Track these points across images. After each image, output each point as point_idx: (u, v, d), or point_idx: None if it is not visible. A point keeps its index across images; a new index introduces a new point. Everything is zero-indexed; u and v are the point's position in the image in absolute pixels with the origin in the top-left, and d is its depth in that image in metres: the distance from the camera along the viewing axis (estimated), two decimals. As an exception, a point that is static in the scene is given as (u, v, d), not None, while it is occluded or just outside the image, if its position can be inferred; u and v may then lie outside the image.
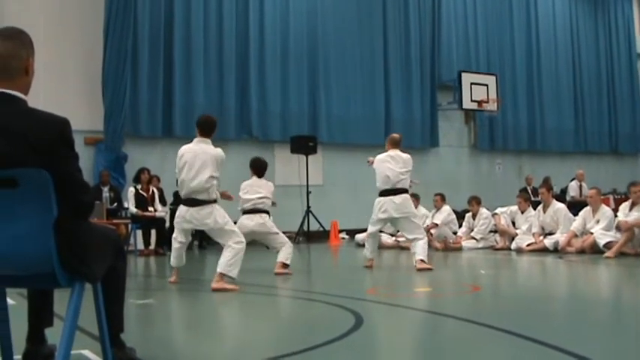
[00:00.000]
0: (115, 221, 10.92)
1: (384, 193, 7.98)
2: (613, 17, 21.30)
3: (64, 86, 12.94)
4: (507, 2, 19.21)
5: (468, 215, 11.88)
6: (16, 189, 2.50)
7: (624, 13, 21.55)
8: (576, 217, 10.34)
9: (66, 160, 2.65)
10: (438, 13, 17.80)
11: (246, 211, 7.86)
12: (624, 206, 9.64)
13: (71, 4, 13.47)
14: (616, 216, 9.69)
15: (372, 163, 8.28)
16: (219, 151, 6.50)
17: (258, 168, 8.13)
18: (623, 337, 3.98)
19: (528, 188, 16.02)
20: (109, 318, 2.99)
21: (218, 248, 7.15)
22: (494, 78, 17.79)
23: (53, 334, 3.07)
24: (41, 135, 2.58)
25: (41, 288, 3.05)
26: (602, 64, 20.90)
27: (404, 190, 7.97)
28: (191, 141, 6.65)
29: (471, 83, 17.26)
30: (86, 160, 12.58)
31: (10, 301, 3.13)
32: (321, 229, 14.36)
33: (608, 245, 9.25)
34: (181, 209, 6.60)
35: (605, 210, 10.07)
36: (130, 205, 11.66)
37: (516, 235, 10.98)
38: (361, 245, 9.83)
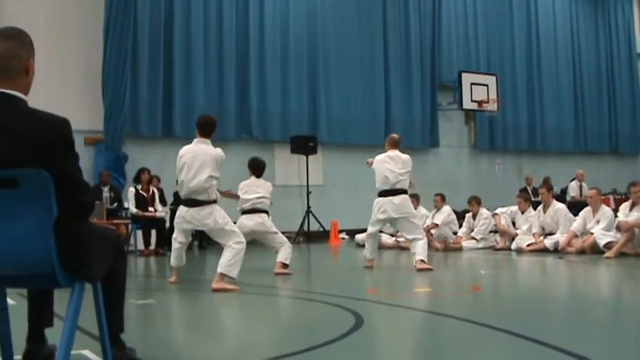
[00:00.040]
0: (115, 221, 10.92)
1: (383, 193, 7.98)
2: (613, 17, 21.30)
3: (64, 86, 12.94)
4: (507, 2, 19.21)
5: (468, 215, 11.88)
6: (17, 189, 2.50)
7: (624, 13, 21.56)
8: (576, 218, 10.34)
9: (66, 160, 2.65)
10: (439, 13, 17.81)
11: (245, 211, 7.87)
12: (624, 206, 9.64)
13: (71, 4, 13.47)
14: (616, 216, 9.69)
15: (372, 164, 8.28)
16: (218, 151, 6.50)
17: (257, 168, 8.13)
18: (623, 337, 3.98)
19: (528, 188, 16.01)
20: (109, 318, 2.99)
21: (218, 248, 7.15)
22: (494, 78, 17.79)
23: (53, 335, 3.07)
24: (41, 135, 2.58)
25: (41, 288, 3.05)
26: (602, 64, 20.91)
27: (403, 191, 7.97)
28: (191, 141, 6.65)
29: (471, 83, 17.27)
30: (86, 160, 12.58)
31: (10, 301, 3.13)
32: (321, 229, 14.36)
33: (609, 245, 9.24)
34: (181, 210, 6.60)
35: (606, 210, 10.07)
36: (130, 205, 11.66)
37: (516, 235, 10.98)
38: (361, 245, 9.84)
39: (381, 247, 11.34)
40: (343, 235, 14.72)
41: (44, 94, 10.47)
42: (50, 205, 2.53)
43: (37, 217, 2.54)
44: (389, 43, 17.00)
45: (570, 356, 3.24)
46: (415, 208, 12.37)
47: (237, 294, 6.10)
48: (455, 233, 11.84)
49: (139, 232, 11.83)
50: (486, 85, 17.47)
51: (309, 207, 14.29)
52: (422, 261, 7.72)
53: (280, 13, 15.55)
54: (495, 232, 11.56)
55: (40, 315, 3.11)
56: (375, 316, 4.88)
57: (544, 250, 10.18)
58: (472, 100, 17.25)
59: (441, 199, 12.16)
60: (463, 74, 17.31)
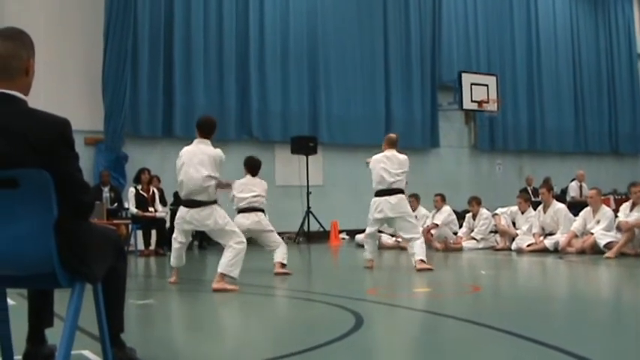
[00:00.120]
0: (115, 221, 10.92)
1: (380, 193, 7.99)
2: (613, 17, 21.30)
3: (65, 86, 12.94)
4: (508, 3, 19.22)
5: (469, 216, 11.88)
6: (17, 189, 2.50)
7: (624, 13, 21.56)
8: (576, 218, 10.34)
9: (66, 160, 2.65)
10: (439, 13, 17.81)
11: (241, 210, 7.88)
12: (625, 206, 9.64)
13: (71, 5, 13.48)
14: (616, 216, 9.69)
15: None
16: (218, 151, 6.50)
17: (252, 167, 8.14)
18: (623, 337, 3.98)
19: (529, 188, 16.01)
20: (110, 318, 2.99)
21: (218, 248, 7.15)
22: (494, 78, 17.79)
23: (53, 335, 3.07)
24: (41, 135, 2.58)
25: (41, 288, 3.05)
26: (602, 64, 20.91)
27: (399, 191, 7.96)
28: (191, 142, 6.66)
29: (471, 84, 17.27)
30: (86, 161, 12.58)
31: (10, 301, 3.13)
32: (322, 229, 14.37)
33: (609, 245, 9.24)
34: (182, 210, 6.61)
35: (606, 210, 10.07)
36: (131, 205, 11.66)
37: (517, 235, 10.98)
38: (361, 246, 9.83)
39: (381, 247, 11.36)
40: (343, 235, 14.72)
41: (44, 95, 10.46)
42: (50, 206, 2.53)
43: (38, 217, 2.54)
44: (389, 43, 17.00)
45: (570, 356, 3.24)
46: (415, 209, 12.44)
47: (237, 294, 6.10)
48: (455, 233, 11.84)
49: (139, 233, 11.84)
50: (486, 86, 17.48)
51: (309, 207, 14.30)
52: (422, 261, 7.72)
53: (280, 13, 15.56)
54: (495, 232, 11.56)
55: (41, 315, 3.11)
56: (375, 317, 4.88)
57: (544, 251, 10.18)
58: (472, 101, 17.25)
59: (441, 200, 12.16)
60: (463, 74, 17.32)
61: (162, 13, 14.14)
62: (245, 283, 6.53)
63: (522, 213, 11.38)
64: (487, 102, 17.43)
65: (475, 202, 11.75)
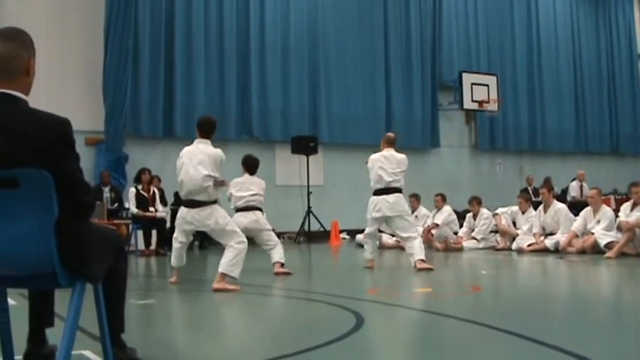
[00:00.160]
0: (115, 221, 10.93)
1: (378, 192, 7.99)
2: (614, 17, 21.30)
3: (65, 86, 12.95)
4: (508, 2, 19.22)
5: (469, 215, 11.88)
6: (17, 189, 2.50)
7: (625, 13, 21.56)
8: (577, 218, 10.34)
9: (66, 160, 2.65)
10: (439, 12, 17.81)
11: (239, 209, 7.89)
12: (626, 206, 9.64)
13: (72, 4, 13.48)
14: (617, 216, 9.69)
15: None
16: (218, 151, 6.50)
17: (250, 165, 8.15)
18: (624, 337, 3.98)
19: (529, 188, 16.01)
20: (110, 318, 2.99)
21: (219, 248, 7.15)
22: (494, 78, 17.80)
23: (54, 335, 3.07)
24: (41, 135, 2.58)
25: (42, 288, 3.05)
26: (602, 65, 20.91)
27: (397, 190, 7.96)
28: (192, 142, 6.67)
29: (472, 83, 17.27)
30: (87, 161, 12.59)
31: (11, 301, 3.14)
32: (322, 229, 14.37)
33: (609, 245, 9.24)
34: (182, 210, 6.61)
35: (606, 210, 10.07)
36: (131, 205, 11.66)
37: (517, 235, 10.98)
38: (362, 246, 9.84)
39: (382, 247, 11.38)
40: (344, 235, 14.73)
41: (45, 95, 10.46)
42: (51, 205, 2.53)
43: (38, 217, 2.54)
44: (390, 42, 17.01)
45: (570, 356, 3.24)
46: (416, 208, 12.46)
47: (237, 294, 6.10)
48: (455, 233, 11.84)
49: (140, 233, 11.84)
50: (487, 85, 17.48)
51: (309, 207, 14.30)
52: (422, 261, 7.72)
53: (281, 11, 15.56)
54: (496, 232, 11.56)
55: (41, 315, 3.11)
56: (375, 317, 4.88)
57: (545, 251, 10.18)
58: (473, 100, 17.25)
59: (441, 199, 12.16)
60: (464, 74, 17.32)
61: (163, 12, 14.14)
62: (246, 283, 6.53)
63: (523, 213, 11.38)
64: (487, 102, 17.43)
65: (476, 202, 11.75)
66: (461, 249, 11.29)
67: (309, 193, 14.32)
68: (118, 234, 3.40)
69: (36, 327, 3.10)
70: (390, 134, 8.54)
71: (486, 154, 18.78)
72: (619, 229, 9.41)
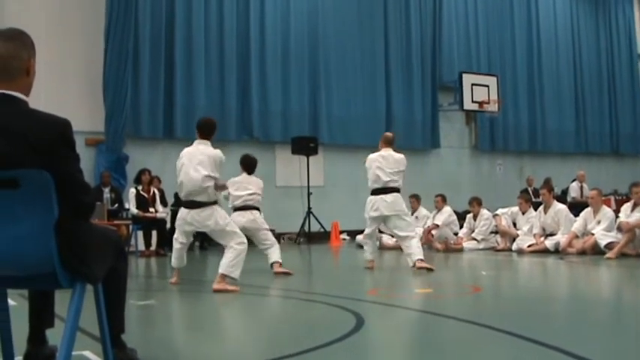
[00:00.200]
0: (115, 222, 10.93)
1: (376, 191, 7.99)
2: (614, 18, 21.31)
3: (65, 87, 12.95)
4: (508, 3, 19.23)
5: (469, 216, 11.88)
6: (17, 190, 2.50)
7: (625, 13, 21.57)
8: (577, 218, 10.34)
9: (66, 161, 2.65)
10: (439, 14, 17.81)
11: (236, 208, 7.90)
12: (626, 207, 9.64)
13: (72, 5, 13.48)
14: (617, 217, 9.69)
15: None
16: (217, 152, 6.51)
17: (248, 165, 8.16)
18: (624, 337, 3.98)
19: (529, 189, 16.01)
20: (110, 319, 2.99)
21: (219, 249, 7.15)
22: (495, 79, 17.80)
23: (54, 335, 3.07)
24: (41, 135, 2.58)
25: (42, 289, 3.05)
26: (602, 65, 20.92)
27: (395, 189, 7.96)
28: (192, 143, 6.67)
29: (472, 84, 17.27)
30: (87, 161, 12.58)
31: (11, 302, 3.14)
32: (322, 230, 14.36)
33: (610, 246, 9.24)
34: (182, 211, 6.61)
35: (606, 211, 10.06)
36: (131, 206, 11.66)
37: (517, 236, 10.98)
38: (362, 246, 9.84)
39: (382, 247, 11.38)
40: (344, 235, 14.73)
41: (45, 95, 10.47)
42: (51, 206, 2.53)
43: (38, 217, 2.54)
44: (390, 43, 17.01)
45: (571, 357, 3.25)
46: (416, 209, 12.46)
47: (237, 295, 6.10)
48: (456, 234, 11.84)
49: (140, 233, 11.84)
50: (487, 86, 17.48)
51: (309, 208, 14.29)
52: (421, 260, 7.72)
53: (281, 13, 15.56)
54: (496, 232, 11.56)
55: (41, 316, 3.11)
56: (375, 317, 4.88)
57: (545, 251, 10.17)
58: (473, 101, 17.25)
59: (441, 200, 12.16)
60: (464, 75, 17.32)
61: (164, 13, 14.14)
62: (246, 283, 6.53)
63: (523, 213, 11.38)
64: (488, 102, 17.43)
65: (476, 202, 11.75)
66: (461, 250, 11.29)
67: (309, 194, 14.31)
68: (118, 234, 3.41)
69: (36, 327, 3.10)
70: (388, 134, 8.53)
71: (486, 155, 18.78)
72: (619, 229, 9.41)
